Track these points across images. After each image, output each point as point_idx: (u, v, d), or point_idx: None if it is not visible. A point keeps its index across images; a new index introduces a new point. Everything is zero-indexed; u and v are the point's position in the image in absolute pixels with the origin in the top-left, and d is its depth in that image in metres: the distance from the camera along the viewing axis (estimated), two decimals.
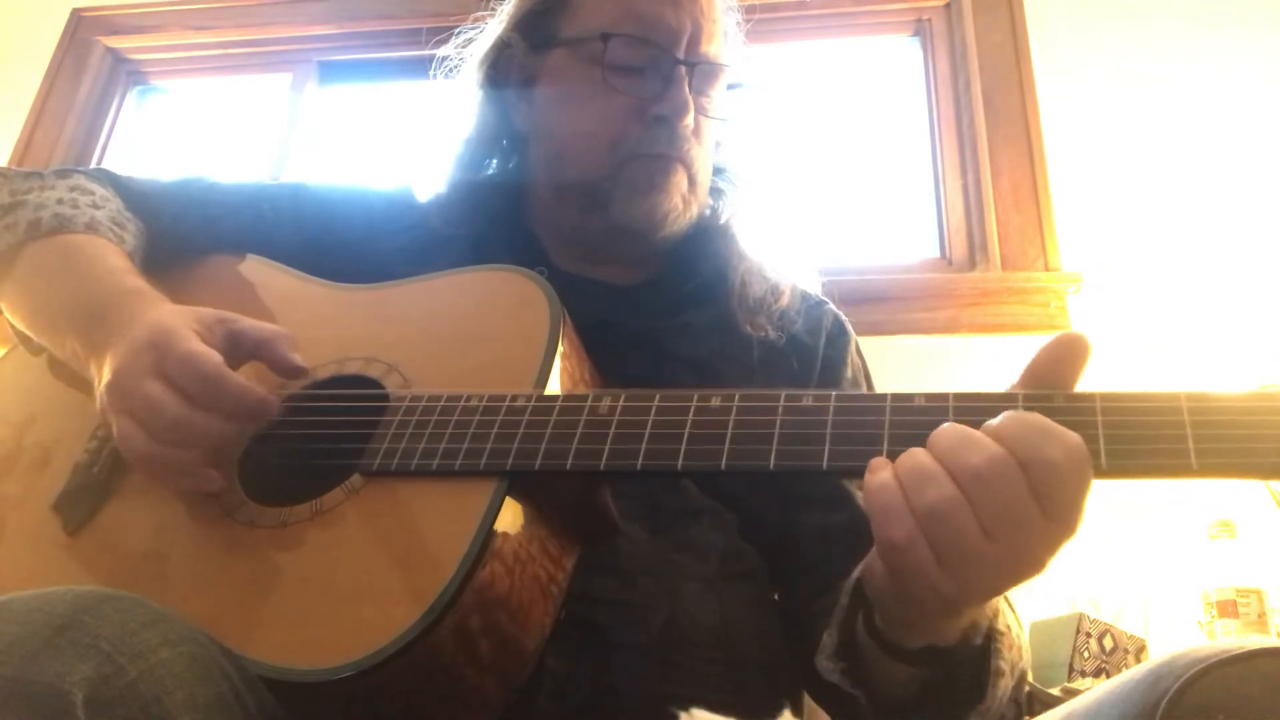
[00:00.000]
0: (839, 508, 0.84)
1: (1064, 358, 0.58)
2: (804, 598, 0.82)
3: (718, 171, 1.00)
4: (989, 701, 0.65)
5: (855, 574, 0.68)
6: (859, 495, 0.84)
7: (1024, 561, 0.53)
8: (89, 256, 0.83)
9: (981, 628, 0.63)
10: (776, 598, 0.88)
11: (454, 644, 0.59)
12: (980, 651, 0.64)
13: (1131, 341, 1.71)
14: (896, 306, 1.85)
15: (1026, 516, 0.51)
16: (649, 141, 0.89)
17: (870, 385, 0.98)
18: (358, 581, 0.63)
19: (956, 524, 0.52)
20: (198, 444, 0.68)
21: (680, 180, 0.91)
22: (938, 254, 2.00)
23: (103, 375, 0.72)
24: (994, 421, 0.54)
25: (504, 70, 1.00)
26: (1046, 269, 1.84)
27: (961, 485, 0.52)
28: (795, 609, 0.83)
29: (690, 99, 0.90)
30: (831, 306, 1.00)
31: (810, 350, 0.94)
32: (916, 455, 0.55)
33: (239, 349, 0.73)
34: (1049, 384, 0.58)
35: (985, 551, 0.52)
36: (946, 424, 0.55)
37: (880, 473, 0.55)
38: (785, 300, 0.94)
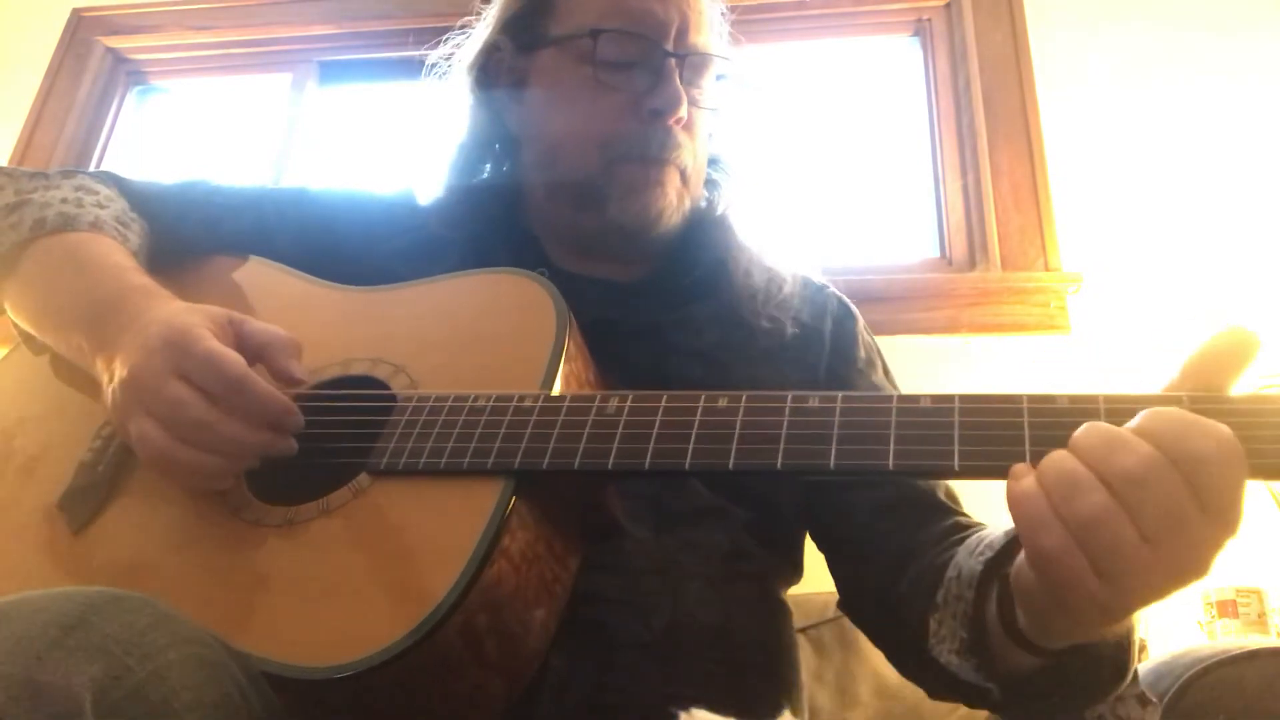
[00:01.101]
0: (886, 484, 0.84)
1: (1227, 354, 0.55)
2: (881, 576, 0.81)
3: (711, 162, 1.00)
4: (1121, 689, 0.63)
5: (976, 565, 0.66)
6: None
7: (1187, 565, 0.50)
8: (94, 254, 0.83)
9: (1128, 624, 0.60)
10: (836, 583, 0.88)
11: (461, 643, 0.60)
12: (1123, 643, 0.61)
13: (1131, 341, 1.71)
14: (896, 306, 1.85)
15: (1185, 517, 0.49)
16: (642, 144, 0.89)
17: (884, 363, 0.98)
18: (365, 580, 0.63)
19: (1112, 532, 0.49)
20: (220, 450, 0.67)
21: (673, 178, 0.91)
22: (938, 254, 2.00)
23: (114, 373, 0.71)
24: (1135, 420, 0.51)
25: (493, 73, 0.99)
26: (1046, 269, 1.84)
27: (1114, 491, 0.49)
28: (871, 588, 0.82)
29: (683, 91, 0.90)
30: (834, 290, 1.00)
31: (816, 334, 0.94)
32: (1061, 460, 0.52)
33: (245, 350, 0.73)
34: (1206, 380, 0.55)
35: (1146, 558, 0.49)
36: (1089, 424, 0.52)
37: (1023, 480, 0.53)
38: (787, 288, 0.94)
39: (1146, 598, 0.52)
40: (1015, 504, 0.52)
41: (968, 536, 0.75)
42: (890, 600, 0.79)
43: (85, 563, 0.73)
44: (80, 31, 2.44)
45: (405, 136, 2.30)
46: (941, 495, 0.84)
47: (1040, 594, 0.55)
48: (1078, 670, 0.61)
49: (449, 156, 1.01)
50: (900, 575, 0.79)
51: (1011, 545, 0.64)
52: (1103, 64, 1.99)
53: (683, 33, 0.92)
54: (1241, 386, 0.55)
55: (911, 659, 0.78)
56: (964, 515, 0.83)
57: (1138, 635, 0.63)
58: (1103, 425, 0.52)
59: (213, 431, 0.67)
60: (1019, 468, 0.54)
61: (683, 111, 0.90)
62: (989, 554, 0.66)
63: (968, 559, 0.69)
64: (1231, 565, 1.47)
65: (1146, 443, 0.50)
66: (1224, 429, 0.50)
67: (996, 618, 0.62)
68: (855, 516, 0.84)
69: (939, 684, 0.75)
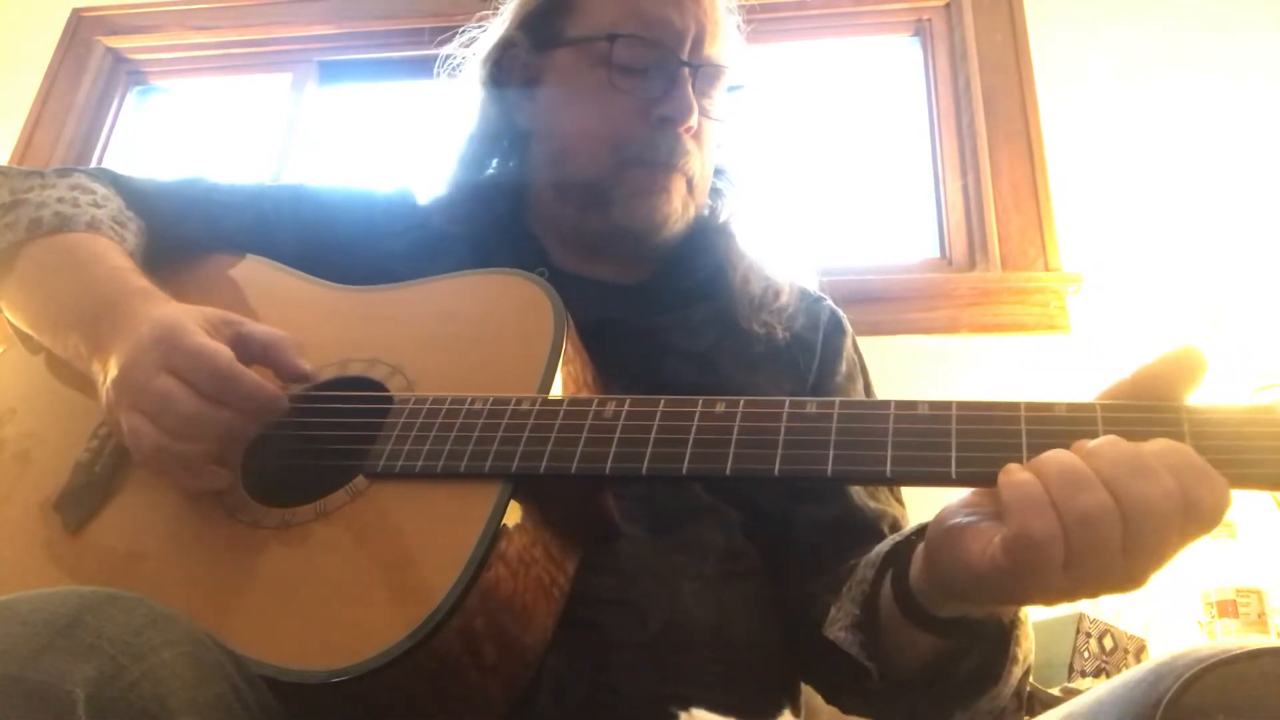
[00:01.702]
0: (831, 502, 0.85)
1: (1177, 374, 0.57)
2: (798, 581, 0.82)
3: (717, 172, 1.01)
4: (1000, 687, 0.66)
5: (885, 547, 0.69)
6: (851, 491, 0.86)
7: (1133, 582, 0.53)
8: (91, 255, 0.83)
9: (1012, 610, 0.63)
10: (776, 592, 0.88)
11: (459, 646, 0.59)
12: (1001, 634, 0.64)
13: (1131, 341, 1.71)
14: (896, 306, 1.86)
15: (1167, 550, 0.52)
16: (651, 148, 0.90)
17: (867, 380, 0.99)
18: (362, 583, 0.63)
19: (1104, 533, 0.51)
20: (209, 438, 0.68)
21: (680, 185, 0.91)
22: (938, 254, 2.00)
23: (108, 372, 0.71)
24: (1158, 449, 0.52)
25: (507, 69, 1.00)
26: (1046, 269, 1.84)
27: (1122, 505, 0.51)
28: (789, 593, 0.83)
29: (694, 101, 0.90)
30: (829, 303, 1.01)
31: (809, 345, 0.95)
32: (1063, 459, 0.53)
33: (246, 352, 0.73)
34: (1156, 394, 0.57)
35: (1115, 568, 0.52)
36: (1112, 439, 0.53)
37: (1019, 473, 0.54)
38: (785, 298, 0.95)
39: (1085, 595, 0.55)
40: (1012, 487, 0.54)
41: None
42: (802, 596, 0.80)
43: (81, 563, 0.72)
44: (80, 31, 2.44)
45: (405, 136, 2.31)
46: (885, 527, 0.85)
47: (982, 575, 0.56)
48: (957, 659, 0.64)
49: (456, 150, 1.01)
50: (822, 577, 0.80)
51: (921, 531, 0.66)
52: (1103, 64, 1.99)
53: (699, 43, 0.92)
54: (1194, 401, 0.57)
55: (811, 653, 0.79)
56: None
57: (1025, 650, 0.67)
58: (1126, 445, 0.53)
59: (201, 423, 0.67)
60: (1012, 466, 0.55)
61: (693, 121, 0.90)
62: (899, 538, 0.69)
63: (878, 547, 0.72)
64: (1231, 565, 1.48)
65: (1171, 477, 0.51)
66: (1224, 482, 0.52)
67: (890, 590, 0.64)
68: (797, 528, 0.85)
69: (827, 672, 0.77)
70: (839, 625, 0.71)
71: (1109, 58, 1.99)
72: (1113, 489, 0.51)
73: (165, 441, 0.67)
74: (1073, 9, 2.06)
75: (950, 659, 0.66)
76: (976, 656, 0.66)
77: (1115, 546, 0.51)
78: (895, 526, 0.86)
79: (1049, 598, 0.56)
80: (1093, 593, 0.55)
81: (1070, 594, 0.55)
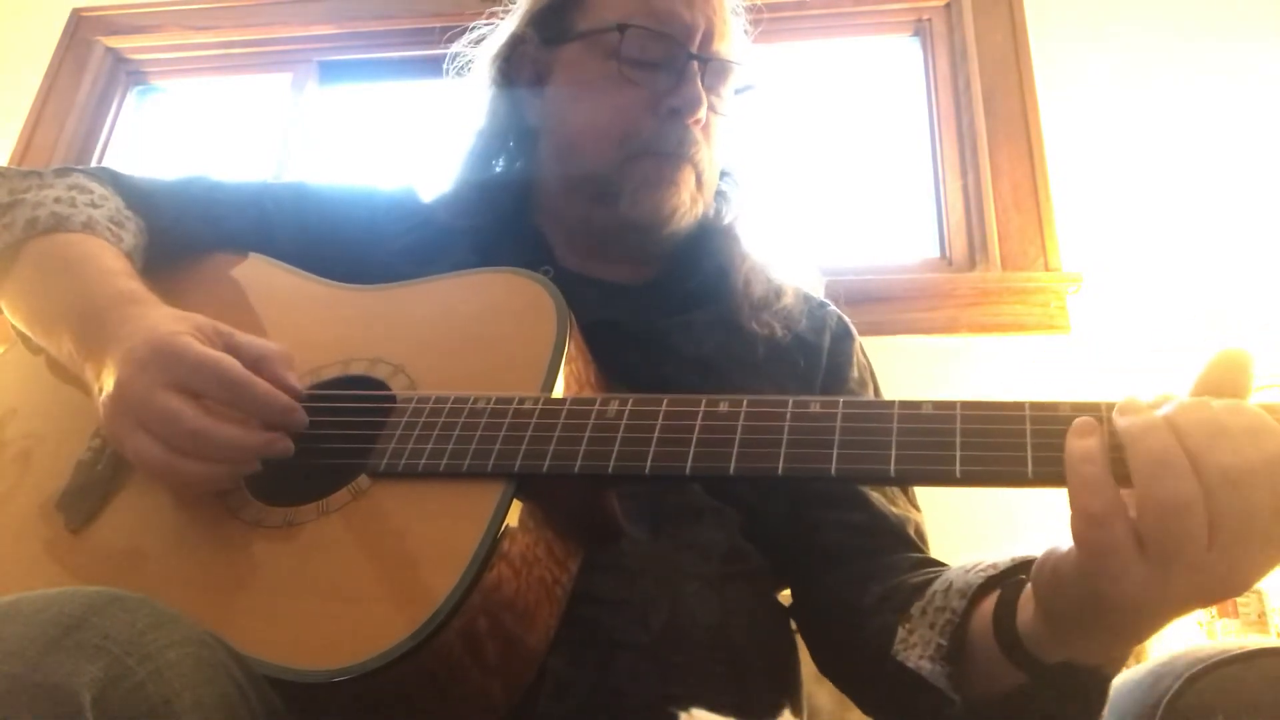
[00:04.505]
0: (856, 508, 0.84)
1: (1225, 376, 0.52)
2: (842, 588, 0.81)
3: (723, 174, 1.01)
4: None
5: (977, 579, 0.65)
6: (873, 497, 0.85)
7: (1237, 578, 0.47)
8: (82, 256, 0.83)
9: (1125, 659, 0.58)
10: (793, 590, 0.88)
11: (461, 646, 0.60)
12: (1098, 679, 0.58)
13: (1131, 341, 1.71)
14: (896, 306, 1.85)
15: (1263, 531, 0.46)
16: (660, 139, 0.90)
17: (876, 385, 0.99)
18: (364, 582, 0.63)
19: (1188, 522, 0.46)
20: (219, 457, 0.67)
21: (689, 178, 0.91)
22: (938, 254, 2.00)
23: (103, 385, 0.71)
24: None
25: (517, 65, 1.00)
26: (1046, 269, 1.84)
27: (1207, 483, 0.46)
28: (830, 599, 0.82)
29: (703, 94, 0.91)
30: (835, 308, 1.01)
31: (815, 349, 0.94)
32: (1155, 436, 0.48)
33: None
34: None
35: (1203, 560, 0.46)
36: (1194, 402, 0.49)
37: (1087, 439, 0.50)
38: (788, 300, 0.95)
39: (1181, 601, 0.49)
40: (1072, 462, 0.50)
41: (950, 566, 0.74)
42: (854, 611, 0.78)
43: (83, 562, 0.72)
44: (80, 31, 2.44)
45: (406, 136, 2.31)
46: (911, 531, 0.85)
47: (1073, 584, 0.52)
48: (1052, 698, 0.58)
49: (464, 147, 1.02)
50: (864, 590, 0.78)
51: (1019, 568, 0.63)
52: (1103, 64, 1.99)
53: (708, 38, 0.93)
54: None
55: (864, 667, 0.77)
56: (931, 557, 0.83)
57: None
58: (1210, 409, 0.48)
59: (209, 440, 0.66)
60: (1083, 423, 0.51)
61: (701, 113, 0.90)
62: (992, 572, 0.65)
63: (963, 575, 0.68)
64: None
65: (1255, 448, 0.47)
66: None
67: (990, 626, 0.61)
68: (825, 532, 0.84)
69: (894, 692, 0.72)
70: (918, 653, 0.67)
71: (1109, 58, 1.99)
72: (1196, 464, 0.47)
73: (174, 460, 0.67)
74: (1073, 9, 2.06)
75: (1034, 697, 0.60)
76: (1067, 700, 0.59)
77: (1200, 534, 0.46)
78: (919, 532, 0.86)
79: (1139, 607, 0.50)
80: (1183, 598, 0.49)
81: (1164, 601, 0.49)
